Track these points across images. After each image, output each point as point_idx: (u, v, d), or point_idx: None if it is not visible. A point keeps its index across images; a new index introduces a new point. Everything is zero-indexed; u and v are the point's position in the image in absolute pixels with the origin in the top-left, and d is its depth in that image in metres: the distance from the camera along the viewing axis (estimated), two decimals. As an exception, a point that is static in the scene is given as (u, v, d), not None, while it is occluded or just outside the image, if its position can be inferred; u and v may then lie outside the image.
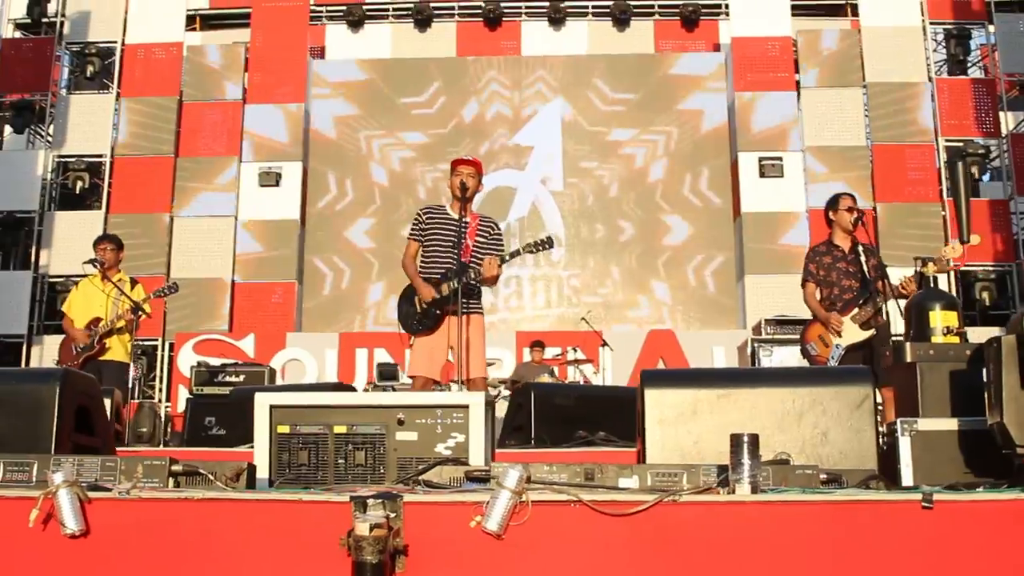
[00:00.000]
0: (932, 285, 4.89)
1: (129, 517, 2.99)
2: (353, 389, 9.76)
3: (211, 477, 3.26)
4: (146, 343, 14.99)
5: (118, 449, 5.87)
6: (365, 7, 17.50)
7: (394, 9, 17.62)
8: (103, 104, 16.42)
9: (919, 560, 2.83)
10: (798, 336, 7.90)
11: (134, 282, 8.96)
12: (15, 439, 3.65)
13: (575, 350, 13.04)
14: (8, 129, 16.75)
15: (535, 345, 13.17)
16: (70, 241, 15.10)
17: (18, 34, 17.15)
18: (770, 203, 15.60)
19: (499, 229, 7.05)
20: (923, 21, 16.11)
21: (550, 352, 13.39)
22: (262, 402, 3.57)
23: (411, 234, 6.96)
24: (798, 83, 16.11)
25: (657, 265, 16.38)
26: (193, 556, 2.94)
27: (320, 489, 3.15)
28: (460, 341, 6.33)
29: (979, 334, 10.30)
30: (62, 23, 16.69)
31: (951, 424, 3.66)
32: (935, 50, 16.28)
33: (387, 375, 12.07)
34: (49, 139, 16.39)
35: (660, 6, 17.50)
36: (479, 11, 17.43)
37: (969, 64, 16.43)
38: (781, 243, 15.22)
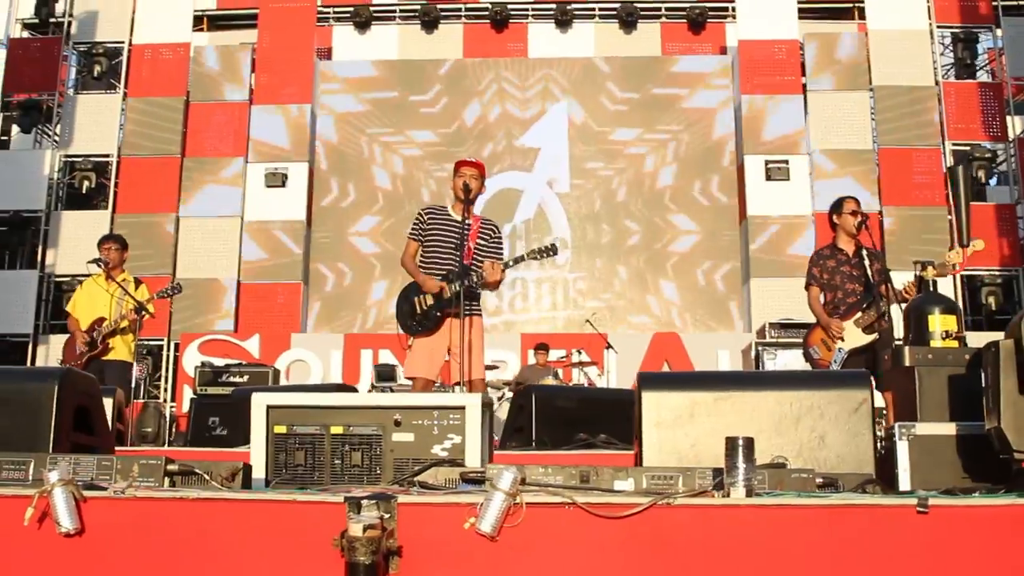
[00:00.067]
0: (932, 289, 4.87)
1: (124, 516, 3.00)
2: (355, 390, 9.77)
3: (207, 477, 3.26)
4: (151, 343, 15.03)
5: (120, 449, 5.89)
6: (372, 8, 17.52)
7: (401, 10, 17.65)
8: (110, 104, 16.45)
9: (914, 565, 2.82)
10: (802, 340, 7.90)
11: (138, 282, 8.98)
12: (14, 438, 3.66)
13: (580, 352, 13.04)
14: (15, 129, 16.81)
15: (539, 348, 13.18)
16: (76, 241, 15.13)
17: (26, 34, 17.20)
18: (776, 207, 15.57)
19: (500, 232, 7.06)
20: (930, 25, 16.07)
21: (554, 354, 13.39)
22: (259, 402, 3.57)
23: (411, 233, 6.97)
24: (804, 86, 16.08)
25: (663, 267, 16.36)
26: (187, 555, 2.95)
27: (316, 490, 3.15)
28: (462, 343, 6.33)
29: (985, 339, 10.24)
30: (70, 23, 16.73)
31: (949, 429, 3.65)
32: (942, 54, 16.24)
33: (385, 376, 12.09)
34: (56, 139, 16.43)
35: (667, 8, 17.50)
36: (486, 13, 17.44)
37: (977, 68, 16.38)
38: (789, 253, 15.14)
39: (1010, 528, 2.82)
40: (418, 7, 17.38)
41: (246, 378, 10.86)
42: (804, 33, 16.35)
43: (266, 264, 15.92)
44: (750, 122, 15.94)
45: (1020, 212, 15.39)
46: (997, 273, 15.02)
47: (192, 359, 13.95)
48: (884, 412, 6.29)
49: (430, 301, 6.71)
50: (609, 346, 13.03)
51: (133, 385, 9.29)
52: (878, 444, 3.70)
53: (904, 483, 3.59)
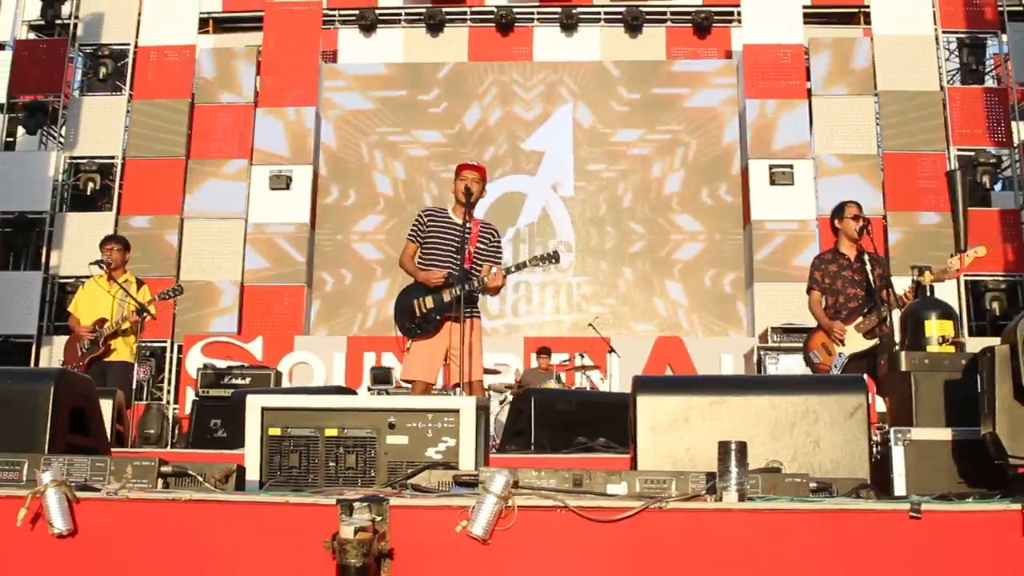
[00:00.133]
0: (929, 294, 4.86)
1: (117, 517, 3.01)
2: (354, 393, 9.77)
3: (200, 479, 3.26)
4: (155, 345, 15.05)
5: (119, 450, 5.89)
6: (378, 11, 17.52)
7: (406, 14, 17.64)
8: (115, 106, 16.47)
9: (907, 570, 2.82)
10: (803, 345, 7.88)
11: (140, 283, 9.00)
12: (10, 439, 3.67)
13: (582, 356, 13.03)
14: (21, 130, 16.81)
15: (541, 352, 13.16)
16: (81, 242, 15.15)
17: (32, 35, 17.23)
18: (780, 211, 15.55)
19: (499, 236, 7.06)
20: (936, 30, 16.05)
21: (557, 358, 13.37)
22: (254, 404, 3.58)
23: (410, 235, 6.97)
24: (809, 91, 16.07)
25: (667, 271, 16.34)
26: (180, 556, 2.95)
27: (310, 492, 3.15)
28: (462, 346, 6.33)
29: (990, 344, 10.23)
30: (75, 25, 16.75)
31: (945, 434, 3.64)
32: (947, 59, 16.22)
33: (380, 379, 12.10)
34: (61, 140, 16.44)
35: (672, 13, 17.49)
36: (491, 16, 17.44)
37: (985, 73, 16.34)
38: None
39: (1003, 534, 2.81)
40: (423, 10, 17.37)
41: (248, 380, 10.85)
42: (809, 38, 16.33)
43: (269, 273, 15.93)
44: (760, 130, 15.90)
45: (1024, 218, 15.37)
46: (1001, 278, 14.98)
47: (195, 361, 13.94)
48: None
49: (430, 304, 6.71)
50: (612, 350, 13.02)
51: (135, 386, 9.30)
52: (874, 449, 3.69)
53: (899, 488, 3.58)
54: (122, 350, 8.76)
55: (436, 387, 7.48)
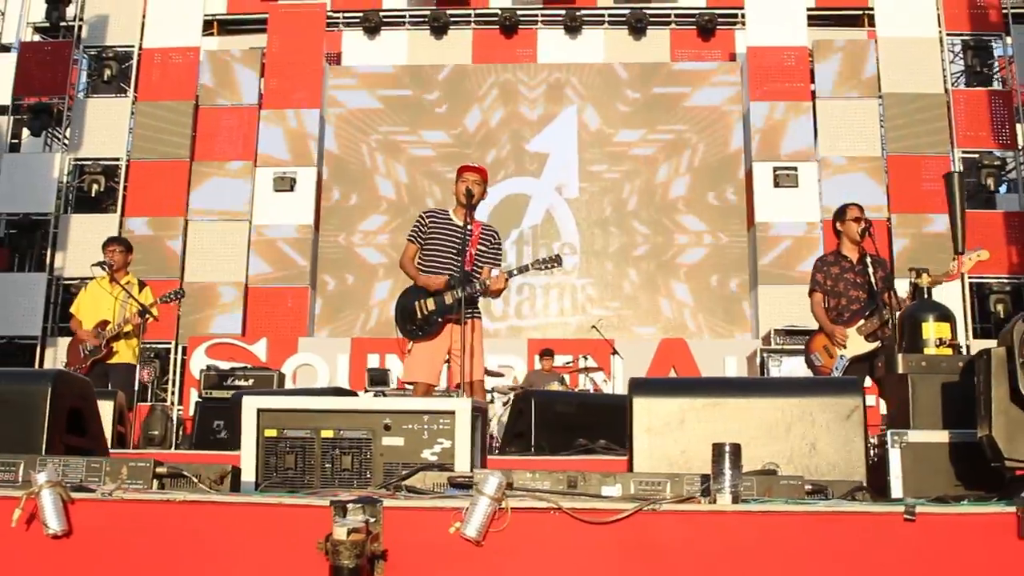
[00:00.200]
0: (926, 296, 4.86)
1: (111, 518, 3.01)
2: (354, 394, 9.77)
3: (195, 480, 3.27)
4: (159, 346, 15.07)
5: (120, 452, 5.90)
6: (382, 13, 17.53)
7: (411, 16, 17.65)
8: (120, 108, 16.50)
9: (901, 573, 2.81)
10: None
11: (142, 284, 9.01)
12: (7, 440, 3.67)
13: (586, 358, 13.03)
14: (26, 132, 16.87)
15: (544, 353, 13.16)
16: (85, 244, 15.16)
17: (37, 37, 17.28)
18: (785, 213, 15.53)
19: (499, 239, 7.07)
20: (940, 32, 16.03)
21: (560, 360, 13.37)
22: (249, 405, 3.58)
23: (411, 236, 6.98)
24: (813, 93, 16.05)
25: (672, 273, 16.34)
26: (174, 557, 2.95)
27: (305, 493, 3.15)
28: (463, 347, 6.34)
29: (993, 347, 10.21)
30: (80, 27, 16.77)
31: (942, 436, 3.63)
32: (952, 61, 16.20)
33: (377, 380, 12.11)
34: (66, 142, 16.48)
35: (676, 15, 17.49)
36: (495, 18, 17.45)
37: (992, 75, 16.32)
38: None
39: (997, 537, 2.80)
40: (428, 12, 17.38)
41: (251, 382, 10.88)
42: (814, 40, 16.32)
43: (272, 276, 15.95)
44: (764, 134, 15.88)
45: (1030, 220, 15.34)
46: (1006, 281, 14.96)
47: (199, 363, 13.97)
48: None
49: (431, 306, 6.72)
50: (615, 352, 13.02)
51: (137, 388, 9.31)
52: (871, 451, 3.68)
53: (896, 491, 3.57)
54: (124, 352, 8.78)
55: (439, 388, 7.49)
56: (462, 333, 6.36)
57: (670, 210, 16.56)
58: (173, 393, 15.28)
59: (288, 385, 12.24)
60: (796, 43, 16.17)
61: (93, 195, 15.99)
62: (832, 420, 3.59)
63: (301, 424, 3.54)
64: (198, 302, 15.24)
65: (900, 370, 4.02)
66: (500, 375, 12.66)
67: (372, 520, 2.81)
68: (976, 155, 15.46)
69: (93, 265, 8.90)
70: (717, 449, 2.91)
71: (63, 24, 16.86)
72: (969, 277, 14.51)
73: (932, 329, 4.52)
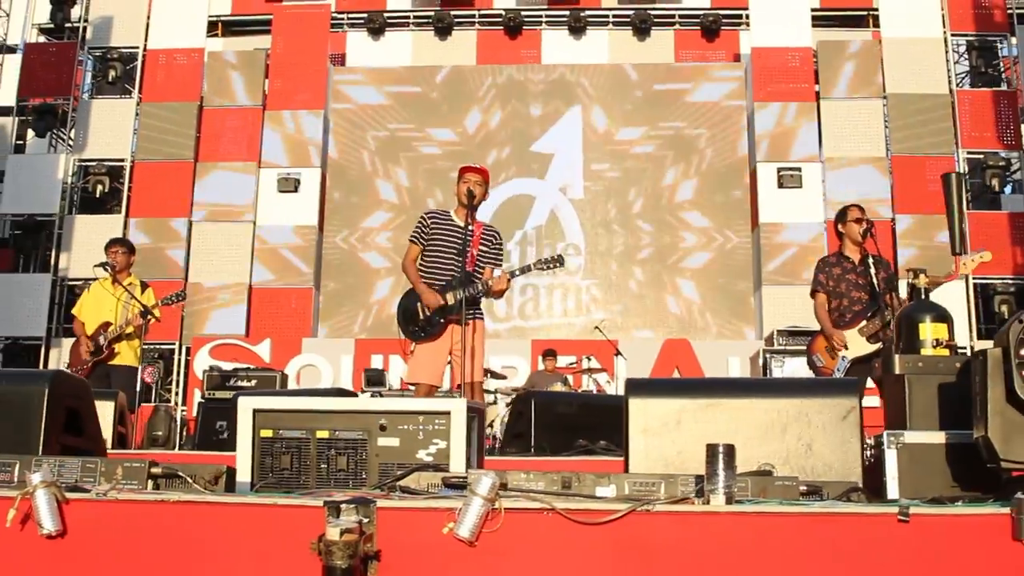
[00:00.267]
0: (923, 297, 4.84)
1: (106, 518, 3.01)
2: (355, 395, 9.78)
3: (189, 480, 3.27)
4: (163, 347, 15.10)
5: (119, 452, 5.91)
6: (386, 14, 17.55)
7: (415, 17, 17.66)
8: (124, 109, 16.54)
9: (896, 574, 2.80)
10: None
11: (145, 285, 9.02)
12: (4, 440, 3.68)
13: (589, 359, 13.03)
14: (31, 133, 16.91)
15: (547, 354, 13.15)
16: (89, 245, 15.17)
17: (42, 39, 17.35)
18: (789, 214, 15.52)
19: (501, 239, 7.07)
20: (944, 33, 16.00)
21: (563, 361, 13.36)
22: (245, 406, 3.59)
23: (413, 237, 6.98)
24: (818, 94, 16.03)
25: (676, 273, 16.32)
26: (168, 557, 2.96)
27: (299, 493, 3.15)
28: (464, 348, 6.35)
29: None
30: (85, 28, 16.84)
31: (938, 437, 3.62)
32: (956, 62, 16.17)
33: (374, 381, 12.13)
34: (71, 143, 16.52)
35: (681, 16, 17.49)
36: (499, 19, 17.46)
37: (1000, 76, 16.28)
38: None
39: (992, 538, 2.80)
40: (432, 13, 17.39)
41: (254, 382, 10.88)
42: (818, 41, 16.31)
43: (275, 282, 15.97)
44: (769, 137, 15.86)
45: (1034, 220, 15.32)
46: (1010, 281, 14.94)
47: (203, 363, 13.99)
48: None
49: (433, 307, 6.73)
50: (618, 353, 13.01)
51: (141, 389, 9.33)
52: (867, 452, 3.67)
53: (892, 492, 3.56)
54: (126, 353, 8.79)
55: (441, 389, 7.50)
56: (463, 334, 6.37)
57: (676, 210, 16.54)
58: (177, 394, 15.30)
59: (292, 386, 12.24)
60: (800, 44, 16.15)
61: (97, 196, 16.04)
62: (828, 421, 3.58)
63: (297, 424, 3.54)
64: (202, 303, 15.26)
65: (897, 371, 4.01)
66: (503, 377, 12.65)
67: (365, 520, 2.81)
68: (981, 156, 15.45)
69: (95, 266, 8.92)
70: (711, 450, 2.91)
71: (68, 25, 16.94)
72: (973, 278, 14.50)
73: (929, 330, 4.51)
